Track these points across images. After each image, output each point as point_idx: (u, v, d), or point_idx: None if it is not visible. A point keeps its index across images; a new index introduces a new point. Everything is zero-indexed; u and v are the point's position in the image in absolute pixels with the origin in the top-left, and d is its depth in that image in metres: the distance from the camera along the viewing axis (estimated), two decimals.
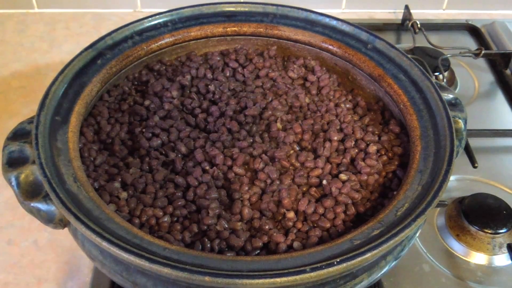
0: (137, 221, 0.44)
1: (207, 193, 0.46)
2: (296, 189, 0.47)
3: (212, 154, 0.49)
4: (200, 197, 0.46)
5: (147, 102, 0.55)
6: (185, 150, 0.50)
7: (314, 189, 0.48)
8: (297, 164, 0.50)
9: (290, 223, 0.45)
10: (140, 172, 0.48)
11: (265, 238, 0.43)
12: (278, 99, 0.56)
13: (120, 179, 0.47)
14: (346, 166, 0.49)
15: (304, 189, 0.48)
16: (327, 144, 0.51)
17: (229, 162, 0.49)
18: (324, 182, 0.48)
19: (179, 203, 0.46)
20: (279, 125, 0.53)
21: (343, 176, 0.48)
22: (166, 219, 0.44)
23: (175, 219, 0.45)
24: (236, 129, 0.52)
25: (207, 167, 0.49)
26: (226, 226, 0.44)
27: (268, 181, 0.48)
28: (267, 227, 0.44)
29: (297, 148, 0.51)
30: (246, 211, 0.45)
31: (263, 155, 0.50)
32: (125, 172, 0.48)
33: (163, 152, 0.51)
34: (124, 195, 0.45)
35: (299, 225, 0.45)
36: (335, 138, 0.51)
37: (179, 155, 0.50)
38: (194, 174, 0.48)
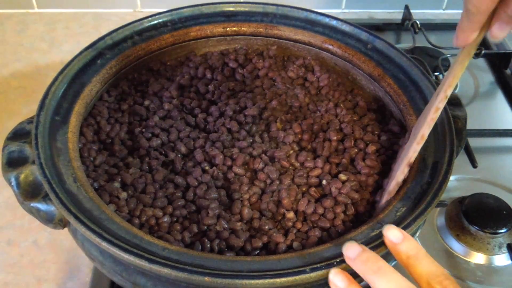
0: (137, 221, 0.44)
1: (206, 193, 0.46)
2: (296, 189, 0.47)
3: (212, 154, 0.49)
4: (200, 197, 0.46)
5: (146, 102, 0.55)
6: (185, 150, 0.50)
7: (313, 189, 0.48)
8: (297, 164, 0.50)
9: (290, 223, 0.45)
10: (140, 172, 0.48)
11: (265, 238, 0.43)
12: (278, 99, 0.56)
13: (119, 179, 0.47)
14: (345, 166, 0.49)
15: (304, 189, 0.48)
16: (327, 144, 0.51)
17: (229, 162, 0.49)
18: (324, 182, 0.48)
19: (179, 203, 0.46)
20: (278, 125, 0.53)
21: (342, 176, 0.48)
22: (166, 219, 0.44)
23: (175, 219, 0.45)
24: (235, 129, 0.52)
25: (207, 167, 0.49)
26: (226, 226, 0.44)
27: (268, 181, 0.48)
28: (266, 227, 0.44)
29: (297, 148, 0.51)
30: (245, 211, 0.45)
31: (263, 155, 0.50)
32: (125, 172, 0.48)
33: (163, 152, 0.51)
34: (124, 195, 0.45)
35: (299, 225, 0.45)
36: (335, 138, 0.51)
37: (179, 155, 0.50)
38: (194, 174, 0.48)
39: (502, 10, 0.35)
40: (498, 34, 0.36)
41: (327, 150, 0.50)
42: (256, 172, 0.49)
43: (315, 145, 0.51)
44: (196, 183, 0.47)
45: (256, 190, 0.47)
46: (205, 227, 0.44)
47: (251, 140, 0.51)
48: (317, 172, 0.49)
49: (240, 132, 0.52)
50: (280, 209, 0.46)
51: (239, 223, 0.44)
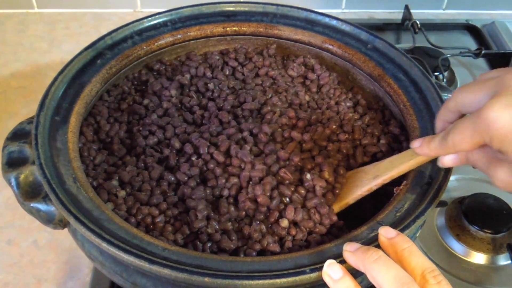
0: (133, 220, 0.43)
1: (193, 192, 0.45)
2: (270, 181, 0.45)
3: (197, 145, 0.48)
4: (188, 197, 0.45)
5: (146, 101, 0.55)
6: (179, 145, 0.50)
7: (283, 170, 0.46)
8: (279, 139, 0.49)
9: (284, 232, 0.44)
10: (137, 170, 0.48)
11: (257, 247, 0.42)
12: (278, 96, 0.56)
13: (117, 177, 0.47)
14: (327, 154, 0.49)
15: (274, 169, 0.46)
16: (320, 129, 0.50)
17: (212, 150, 0.48)
18: (308, 176, 0.46)
19: (171, 200, 0.45)
20: (276, 114, 0.52)
21: (326, 175, 0.47)
22: (160, 219, 0.44)
23: (168, 219, 0.44)
24: (226, 119, 0.52)
25: (193, 159, 0.48)
26: (217, 227, 0.43)
27: (242, 165, 0.47)
28: (256, 234, 0.43)
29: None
30: (231, 209, 0.44)
31: (247, 135, 0.49)
32: (122, 170, 0.47)
33: (158, 150, 0.50)
34: (122, 193, 0.45)
35: (293, 231, 0.44)
36: (334, 126, 0.51)
37: (174, 151, 0.50)
38: (182, 169, 0.47)
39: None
40: (447, 163, 0.40)
41: (318, 134, 0.50)
42: (231, 158, 0.47)
43: (308, 129, 0.51)
44: (185, 178, 0.46)
45: (234, 181, 0.46)
46: (196, 229, 0.44)
47: (239, 125, 0.51)
48: (292, 146, 0.48)
49: (230, 122, 0.52)
50: (260, 208, 0.45)
51: (229, 223, 0.44)
